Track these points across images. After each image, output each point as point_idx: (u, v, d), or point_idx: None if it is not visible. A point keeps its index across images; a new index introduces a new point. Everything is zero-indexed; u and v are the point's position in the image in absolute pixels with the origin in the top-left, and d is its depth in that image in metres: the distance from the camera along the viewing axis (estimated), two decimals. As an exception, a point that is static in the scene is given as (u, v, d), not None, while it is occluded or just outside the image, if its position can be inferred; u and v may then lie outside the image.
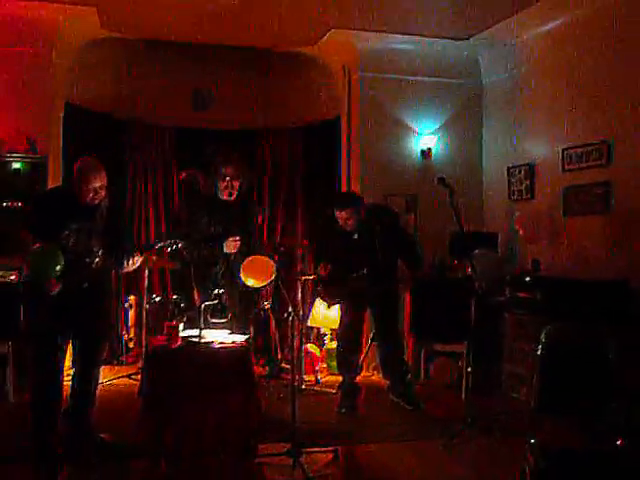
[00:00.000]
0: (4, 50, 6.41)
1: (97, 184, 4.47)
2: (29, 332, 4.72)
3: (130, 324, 6.98)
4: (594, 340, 3.48)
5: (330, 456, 4.59)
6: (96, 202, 4.53)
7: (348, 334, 5.93)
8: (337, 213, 5.60)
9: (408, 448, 4.81)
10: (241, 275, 5.03)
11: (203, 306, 4.65)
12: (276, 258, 5.45)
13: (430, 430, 5.18)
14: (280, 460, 4.34)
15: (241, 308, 5.37)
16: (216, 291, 4.74)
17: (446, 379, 6.51)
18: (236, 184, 5.55)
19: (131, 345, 6.90)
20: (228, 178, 5.52)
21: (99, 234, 4.56)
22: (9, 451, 4.46)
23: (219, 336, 4.70)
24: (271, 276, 5.12)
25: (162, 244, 4.76)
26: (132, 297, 7.00)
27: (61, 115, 6.93)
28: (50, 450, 4.42)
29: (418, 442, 4.94)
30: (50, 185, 6.31)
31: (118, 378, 6.47)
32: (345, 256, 5.66)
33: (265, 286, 5.44)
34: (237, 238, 5.43)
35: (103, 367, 6.86)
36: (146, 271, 6.39)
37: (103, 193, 4.54)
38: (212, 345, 4.56)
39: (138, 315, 6.79)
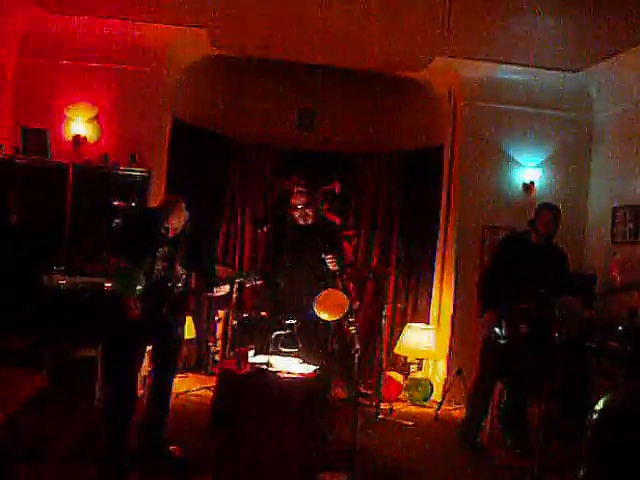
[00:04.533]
0: (117, 67, 6.72)
1: (173, 224, 4.78)
2: (108, 340, 4.96)
3: (218, 336, 7.18)
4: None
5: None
6: (172, 235, 4.77)
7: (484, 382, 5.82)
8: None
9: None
10: (315, 308, 5.07)
11: (274, 334, 4.73)
12: (351, 289, 5.47)
13: (496, 477, 5.06)
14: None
15: (314, 338, 5.40)
16: (289, 320, 4.80)
17: (532, 424, 6.31)
18: (310, 211, 5.61)
19: (217, 357, 7.09)
20: (300, 206, 5.59)
21: (182, 260, 4.76)
22: (86, 451, 4.68)
23: (288, 365, 4.76)
24: (344, 310, 5.13)
25: (240, 279, 4.88)
26: (221, 312, 7.18)
27: (168, 131, 7.20)
28: (120, 455, 4.61)
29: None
30: (152, 199, 6.59)
31: (200, 389, 6.66)
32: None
33: (339, 319, 5.44)
34: (330, 256, 5.46)
35: (190, 376, 7.25)
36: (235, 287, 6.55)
37: (178, 230, 4.81)
38: (279, 375, 4.63)
39: (226, 329, 6.96)
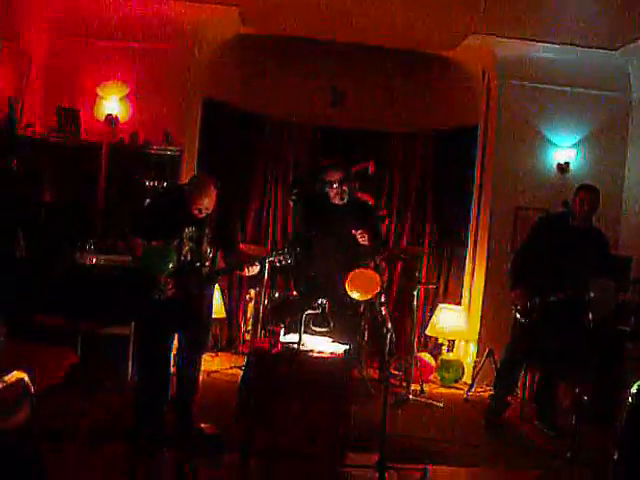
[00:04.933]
0: (148, 46, 6.73)
1: (204, 205, 4.66)
2: (140, 319, 4.98)
3: (248, 316, 7.19)
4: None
5: (418, 474, 4.52)
6: (201, 216, 4.71)
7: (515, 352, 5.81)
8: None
9: (500, 475, 4.72)
10: (346, 287, 5.05)
11: (306, 314, 4.72)
12: (384, 268, 5.45)
13: (528, 459, 5.01)
14: (366, 472, 4.37)
15: (345, 318, 5.38)
16: (320, 300, 4.79)
17: (562, 405, 6.25)
18: (345, 188, 5.55)
19: (247, 337, 7.11)
20: (336, 185, 5.53)
21: (209, 241, 4.75)
22: (117, 429, 4.71)
23: (319, 345, 4.76)
24: (376, 289, 5.10)
25: (271, 258, 4.84)
26: (252, 290, 7.18)
27: (199, 110, 7.20)
28: (153, 435, 4.62)
29: (512, 471, 4.80)
30: (184, 178, 6.58)
31: (232, 368, 6.69)
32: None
33: (371, 299, 5.41)
34: (360, 231, 5.41)
35: (220, 355, 7.28)
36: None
37: (209, 210, 4.72)
38: (310, 354, 4.63)
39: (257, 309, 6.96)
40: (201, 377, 5.12)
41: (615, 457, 3.30)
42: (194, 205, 4.64)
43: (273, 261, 4.80)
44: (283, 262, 4.80)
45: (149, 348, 4.83)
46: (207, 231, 4.75)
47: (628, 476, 3.23)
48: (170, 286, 4.64)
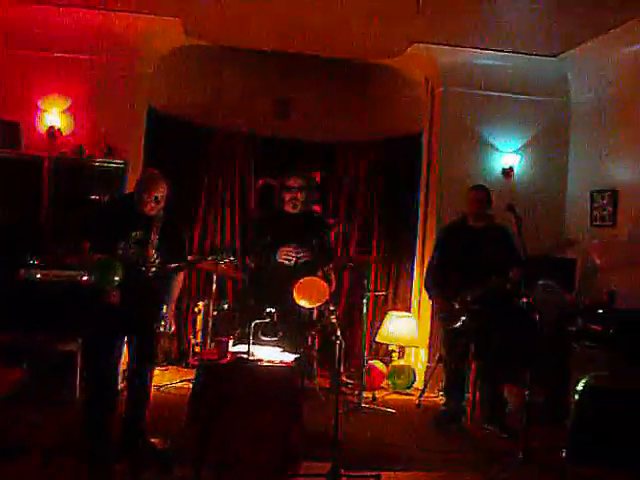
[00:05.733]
0: (90, 58, 6.64)
1: (158, 193, 4.68)
2: (87, 332, 4.91)
3: (197, 328, 7.12)
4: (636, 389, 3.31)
5: (371, 481, 4.54)
6: (154, 212, 4.71)
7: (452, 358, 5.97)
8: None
9: (454, 478, 4.74)
10: (294, 295, 5.02)
11: (254, 323, 4.69)
12: (332, 277, 5.45)
13: (482, 461, 5.03)
14: (320, 480, 4.36)
15: (294, 327, 5.35)
16: (268, 310, 4.75)
17: (509, 406, 6.32)
18: (300, 196, 5.52)
19: (197, 349, 7.03)
20: (294, 189, 5.50)
21: (155, 245, 4.71)
22: (65, 447, 4.62)
23: (268, 354, 4.73)
24: (324, 297, 5.09)
25: (210, 258, 4.83)
26: (201, 303, 7.12)
27: (144, 122, 7.13)
28: (102, 449, 4.56)
29: (466, 473, 4.82)
30: (129, 190, 6.49)
31: (182, 381, 6.60)
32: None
33: (319, 306, 5.39)
34: (290, 248, 5.40)
35: (170, 369, 7.20)
36: (214, 277, 6.55)
37: (162, 204, 4.74)
38: (259, 363, 4.60)
39: (206, 320, 6.91)
40: (152, 391, 5.07)
41: (564, 454, 3.35)
42: (149, 195, 4.63)
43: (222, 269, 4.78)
44: (222, 261, 4.78)
45: (94, 360, 4.79)
46: (153, 236, 4.71)
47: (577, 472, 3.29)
48: (115, 292, 4.58)
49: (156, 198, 4.68)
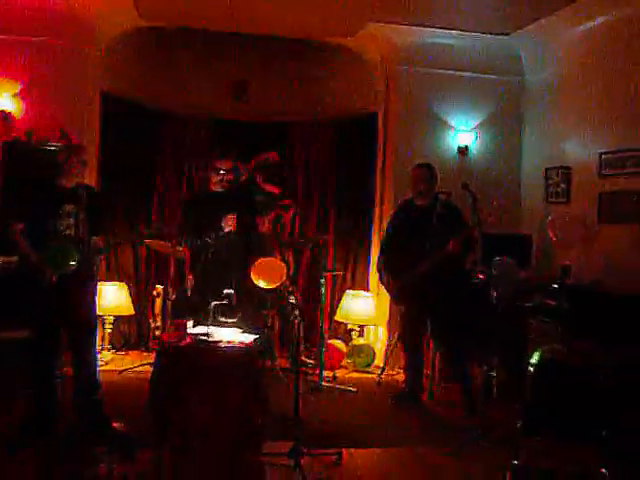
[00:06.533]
0: (40, 42, 6.50)
1: (84, 154, 4.87)
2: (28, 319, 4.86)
3: (156, 312, 7.08)
4: (588, 363, 3.39)
5: (333, 458, 4.56)
6: (79, 177, 4.80)
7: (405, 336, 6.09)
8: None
9: (414, 454, 4.79)
10: (252, 277, 5.03)
11: (213, 305, 4.68)
12: (289, 258, 5.48)
13: (442, 437, 5.11)
14: (282, 459, 4.37)
15: (253, 307, 5.36)
16: (225, 290, 4.75)
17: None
18: (230, 178, 5.57)
19: (157, 333, 7.00)
20: (222, 172, 5.54)
21: (84, 220, 4.72)
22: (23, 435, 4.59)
23: (227, 335, 4.73)
24: (282, 278, 5.11)
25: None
26: (159, 286, 7.09)
27: (97, 105, 7.02)
28: (54, 435, 4.59)
29: (426, 448, 4.88)
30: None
31: (143, 365, 6.53)
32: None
33: (278, 287, 5.41)
34: (231, 215, 5.42)
35: (130, 354, 7.16)
36: (171, 260, 6.53)
37: (84, 171, 4.88)
38: (219, 344, 4.60)
39: (165, 304, 6.88)
40: (98, 375, 5.05)
41: (518, 426, 3.42)
42: (77, 158, 4.74)
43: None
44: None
45: (35, 348, 4.76)
46: (81, 209, 4.73)
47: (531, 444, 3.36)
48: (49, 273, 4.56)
49: (83, 162, 4.82)
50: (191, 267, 5.79)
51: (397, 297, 6.03)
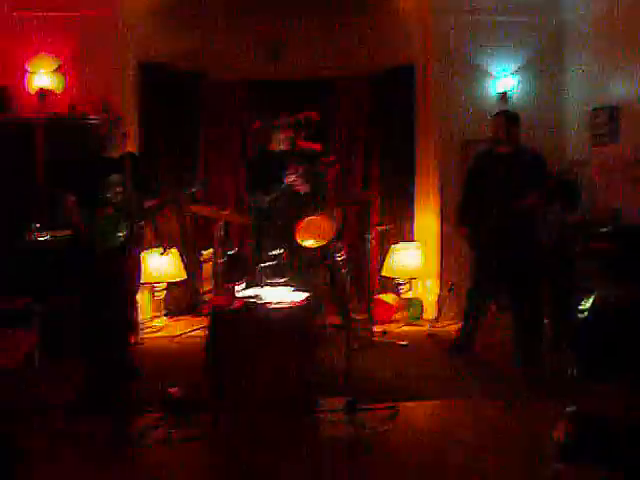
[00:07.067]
0: (69, 16, 6.54)
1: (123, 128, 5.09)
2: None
3: (205, 277, 7.15)
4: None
5: (388, 412, 4.58)
6: (121, 147, 4.96)
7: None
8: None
9: (469, 406, 4.80)
10: (297, 238, 5.04)
11: (261, 266, 4.73)
12: (338, 215, 5.47)
13: (496, 388, 5.09)
14: (337, 415, 4.45)
15: (302, 266, 5.38)
16: (275, 251, 4.79)
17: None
18: (290, 134, 5.56)
19: (207, 298, 7.08)
20: (283, 129, 5.53)
21: (131, 188, 4.85)
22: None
23: (279, 295, 4.77)
24: (329, 236, 5.11)
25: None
26: (208, 250, 7.14)
27: (134, 74, 7.08)
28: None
29: (480, 401, 4.87)
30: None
31: (194, 330, 6.64)
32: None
33: (327, 244, 5.41)
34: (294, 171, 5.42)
35: (183, 318, 7.29)
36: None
37: (126, 141, 5.10)
38: (269, 306, 4.65)
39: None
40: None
41: (572, 373, 3.40)
42: (117, 130, 4.95)
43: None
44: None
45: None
46: (128, 181, 4.83)
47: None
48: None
49: (124, 134, 5.05)
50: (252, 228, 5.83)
51: (474, 243, 5.93)
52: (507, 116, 5.80)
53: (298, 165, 5.42)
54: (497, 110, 5.94)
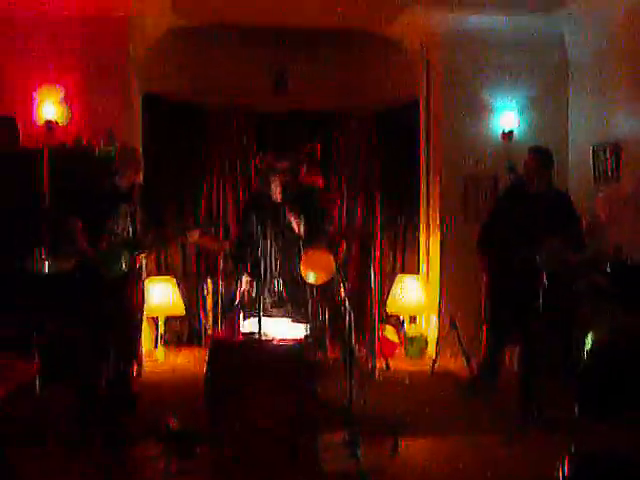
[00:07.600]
0: (79, 48, 6.60)
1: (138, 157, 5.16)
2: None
3: (208, 309, 7.15)
4: None
5: (388, 448, 4.55)
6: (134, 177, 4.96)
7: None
8: None
9: (469, 442, 4.77)
10: (301, 271, 5.03)
11: (262, 298, 4.71)
12: (341, 249, 5.46)
13: (496, 424, 5.02)
14: (338, 450, 4.38)
15: (302, 298, 5.36)
16: (276, 284, 4.78)
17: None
18: (288, 178, 5.52)
19: (209, 331, 7.06)
20: (279, 172, 5.50)
21: (139, 218, 4.92)
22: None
23: (279, 329, 4.75)
24: (331, 269, 5.09)
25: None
26: (209, 281, 7.15)
27: (139, 106, 7.14)
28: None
29: (480, 436, 4.84)
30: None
31: (197, 362, 6.52)
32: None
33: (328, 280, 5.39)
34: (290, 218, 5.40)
35: (183, 350, 7.24)
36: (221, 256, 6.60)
37: (139, 171, 5.09)
38: (271, 341, 4.62)
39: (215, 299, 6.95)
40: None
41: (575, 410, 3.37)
42: (132, 159, 5.01)
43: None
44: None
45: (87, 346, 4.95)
46: (136, 212, 4.89)
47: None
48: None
49: (138, 162, 5.14)
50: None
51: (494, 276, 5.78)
52: (541, 156, 5.65)
53: (292, 211, 5.39)
54: (530, 147, 5.80)
